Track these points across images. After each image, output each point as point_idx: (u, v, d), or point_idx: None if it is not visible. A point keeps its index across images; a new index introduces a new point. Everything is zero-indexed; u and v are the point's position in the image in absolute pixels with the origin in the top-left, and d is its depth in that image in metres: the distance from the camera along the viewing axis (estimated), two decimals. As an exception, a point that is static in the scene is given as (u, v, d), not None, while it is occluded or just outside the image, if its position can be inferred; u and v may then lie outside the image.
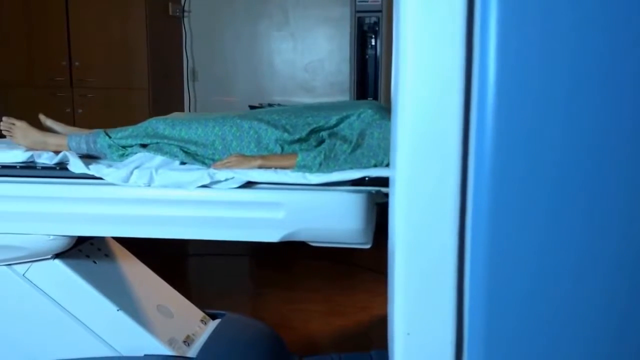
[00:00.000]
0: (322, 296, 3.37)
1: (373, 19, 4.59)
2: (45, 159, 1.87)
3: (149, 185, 1.75)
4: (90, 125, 2.14)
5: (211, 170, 1.77)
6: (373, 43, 4.65)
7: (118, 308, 1.91)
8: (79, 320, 1.89)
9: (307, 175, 1.75)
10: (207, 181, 1.73)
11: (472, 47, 1.14)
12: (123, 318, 1.91)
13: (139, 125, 1.95)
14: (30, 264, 1.87)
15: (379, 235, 1.80)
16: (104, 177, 1.77)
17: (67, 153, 1.87)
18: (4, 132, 2.00)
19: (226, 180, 1.74)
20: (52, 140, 1.98)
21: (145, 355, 1.89)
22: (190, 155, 1.88)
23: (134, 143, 1.91)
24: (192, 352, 2.00)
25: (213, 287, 3.62)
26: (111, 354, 1.89)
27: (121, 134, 1.93)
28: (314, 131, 1.88)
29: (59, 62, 4.96)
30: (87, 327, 1.89)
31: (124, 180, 1.75)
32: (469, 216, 1.20)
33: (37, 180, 1.82)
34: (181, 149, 1.88)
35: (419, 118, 1.18)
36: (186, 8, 5.39)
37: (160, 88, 5.08)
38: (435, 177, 1.19)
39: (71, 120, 4.82)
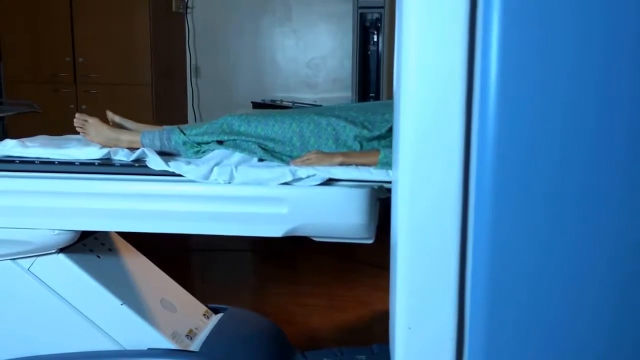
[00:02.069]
0: (324, 291, 3.38)
1: (375, 15, 4.59)
2: (122, 155, 1.85)
3: (230, 182, 1.73)
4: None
5: (292, 167, 1.74)
6: (375, 39, 4.65)
7: (122, 302, 1.91)
8: (82, 314, 1.90)
9: (390, 172, 1.73)
10: (289, 178, 1.70)
11: (474, 45, 1.15)
12: (126, 312, 1.91)
13: (214, 122, 1.93)
14: (34, 258, 1.88)
15: (381, 230, 1.81)
16: (184, 175, 1.75)
17: (145, 150, 1.85)
18: (77, 129, 1.99)
19: (308, 177, 1.71)
20: (124, 136, 1.97)
21: (148, 348, 1.90)
22: (269, 152, 1.85)
23: (209, 140, 1.89)
24: (195, 345, 2.01)
25: (216, 282, 3.63)
26: (115, 347, 1.90)
27: (196, 131, 1.91)
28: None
29: (63, 58, 4.97)
30: (91, 320, 1.90)
31: (204, 177, 1.73)
32: (471, 212, 1.20)
33: (54, 175, 1.82)
34: (259, 145, 1.85)
35: (421, 115, 1.19)
36: (189, 5, 5.39)
37: (164, 84, 5.09)
38: (437, 173, 1.20)
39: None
